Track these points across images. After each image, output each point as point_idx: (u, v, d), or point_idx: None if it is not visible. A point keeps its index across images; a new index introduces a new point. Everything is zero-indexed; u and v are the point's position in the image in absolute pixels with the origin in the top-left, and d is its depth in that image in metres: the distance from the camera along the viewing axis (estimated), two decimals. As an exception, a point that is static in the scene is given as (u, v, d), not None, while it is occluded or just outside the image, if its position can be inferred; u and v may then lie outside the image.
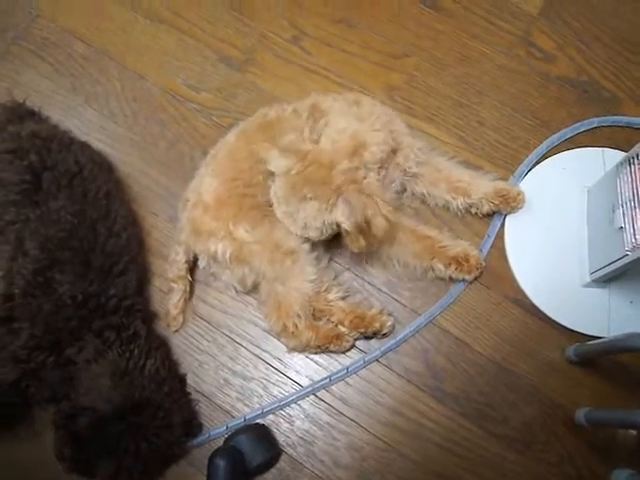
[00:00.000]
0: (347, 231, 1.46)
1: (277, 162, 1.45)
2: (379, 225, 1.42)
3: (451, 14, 2.01)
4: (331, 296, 1.66)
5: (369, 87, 1.93)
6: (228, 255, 1.57)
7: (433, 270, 1.67)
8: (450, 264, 1.65)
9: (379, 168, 1.53)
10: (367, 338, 1.68)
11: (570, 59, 1.95)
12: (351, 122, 1.50)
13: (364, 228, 1.43)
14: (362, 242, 1.48)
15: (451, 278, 1.69)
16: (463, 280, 1.70)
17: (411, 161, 1.65)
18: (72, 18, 2.05)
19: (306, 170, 1.42)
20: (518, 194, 1.72)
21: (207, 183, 1.61)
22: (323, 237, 1.54)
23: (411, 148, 1.65)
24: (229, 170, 1.60)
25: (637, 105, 1.89)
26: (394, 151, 1.61)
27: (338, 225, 1.47)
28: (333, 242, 1.70)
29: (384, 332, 1.66)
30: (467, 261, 1.66)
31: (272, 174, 1.50)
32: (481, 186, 1.71)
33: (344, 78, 1.95)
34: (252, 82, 1.95)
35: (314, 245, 1.62)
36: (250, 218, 1.57)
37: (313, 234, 1.52)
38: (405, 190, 1.75)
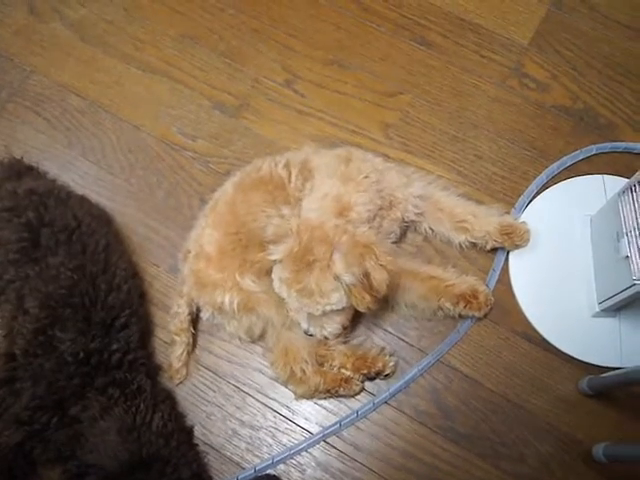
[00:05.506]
0: (350, 289, 1.39)
1: (277, 250, 1.42)
2: (379, 278, 1.37)
3: (442, 49, 2.02)
4: (331, 340, 1.62)
5: (364, 126, 1.93)
6: (236, 305, 1.56)
7: (442, 310, 1.64)
8: (458, 302, 1.62)
9: (369, 224, 1.52)
10: (370, 379, 1.66)
11: (564, 87, 1.95)
12: (334, 185, 1.50)
13: (365, 283, 1.38)
14: (368, 298, 1.41)
15: (460, 316, 1.67)
16: (473, 317, 1.68)
17: (410, 212, 1.64)
18: (66, 72, 2.07)
19: (303, 241, 1.39)
20: (525, 232, 1.70)
21: (208, 234, 1.60)
22: (350, 302, 1.42)
23: (407, 200, 1.63)
24: (230, 224, 1.59)
25: (634, 130, 1.89)
26: (389, 206, 1.60)
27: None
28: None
29: (387, 372, 1.63)
30: (476, 298, 1.63)
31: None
32: (485, 223, 1.69)
33: (339, 119, 1.95)
34: (247, 127, 1.96)
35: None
36: (255, 270, 1.56)
37: (334, 301, 1.39)
38: (405, 235, 1.74)
